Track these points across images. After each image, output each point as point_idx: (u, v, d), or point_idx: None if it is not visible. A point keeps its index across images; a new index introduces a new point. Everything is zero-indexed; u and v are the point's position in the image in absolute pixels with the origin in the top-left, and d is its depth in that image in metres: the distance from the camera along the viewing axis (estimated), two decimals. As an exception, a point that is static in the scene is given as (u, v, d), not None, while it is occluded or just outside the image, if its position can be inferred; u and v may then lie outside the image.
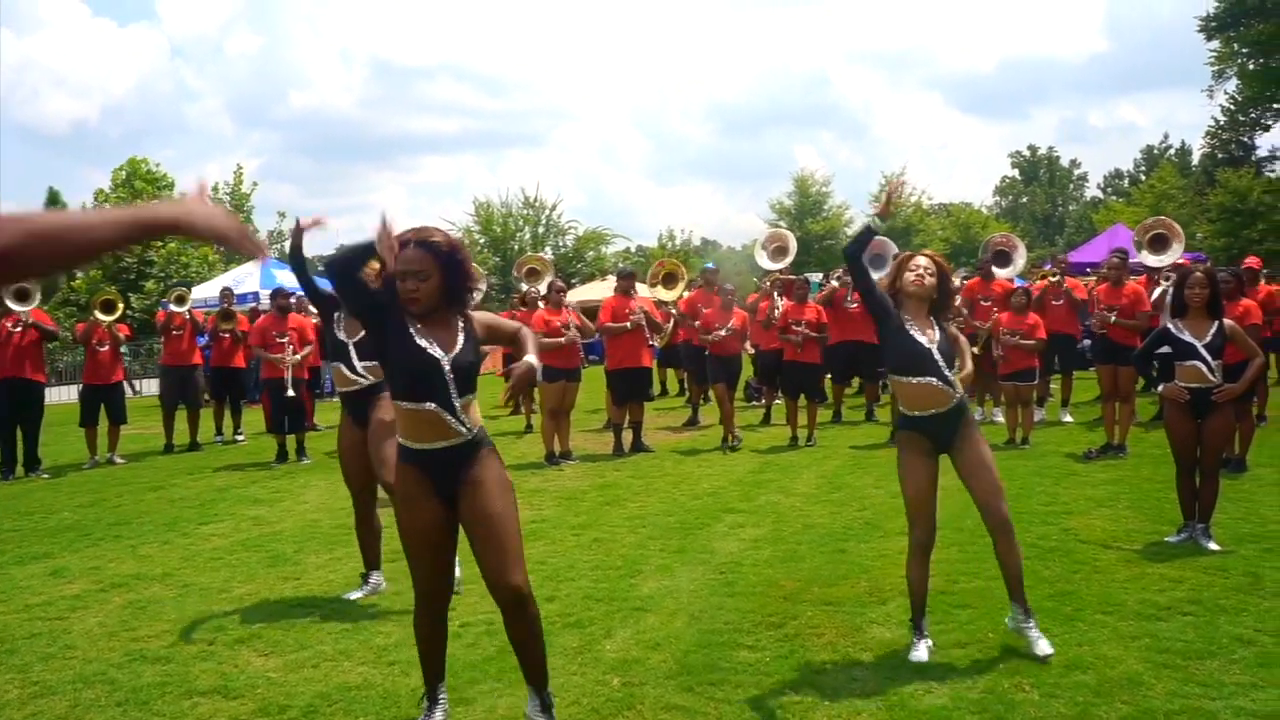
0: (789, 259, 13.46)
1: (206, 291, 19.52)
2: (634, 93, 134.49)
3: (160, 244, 30.92)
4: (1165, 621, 4.91)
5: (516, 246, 44.63)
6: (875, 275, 12.28)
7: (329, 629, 5.29)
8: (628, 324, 10.93)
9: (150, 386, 23.54)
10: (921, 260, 4.71)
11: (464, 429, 3.68)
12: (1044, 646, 4.49)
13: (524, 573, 3.74)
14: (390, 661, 4.73)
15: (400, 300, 3.65)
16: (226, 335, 13.56)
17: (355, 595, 5.83)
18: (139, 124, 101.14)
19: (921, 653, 4.54)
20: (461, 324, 3.76)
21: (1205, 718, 3.85)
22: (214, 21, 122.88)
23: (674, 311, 13.48)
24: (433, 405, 3.63)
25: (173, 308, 13.45)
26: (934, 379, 4.57)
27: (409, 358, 3.63)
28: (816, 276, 15.30)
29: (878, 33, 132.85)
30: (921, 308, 4.67)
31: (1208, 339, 6.30)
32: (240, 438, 13.87)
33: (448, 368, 3.63)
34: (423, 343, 3.64)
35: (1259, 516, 6.97)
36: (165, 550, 7.26)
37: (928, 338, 4.60)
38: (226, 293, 14.34)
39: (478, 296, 4.06)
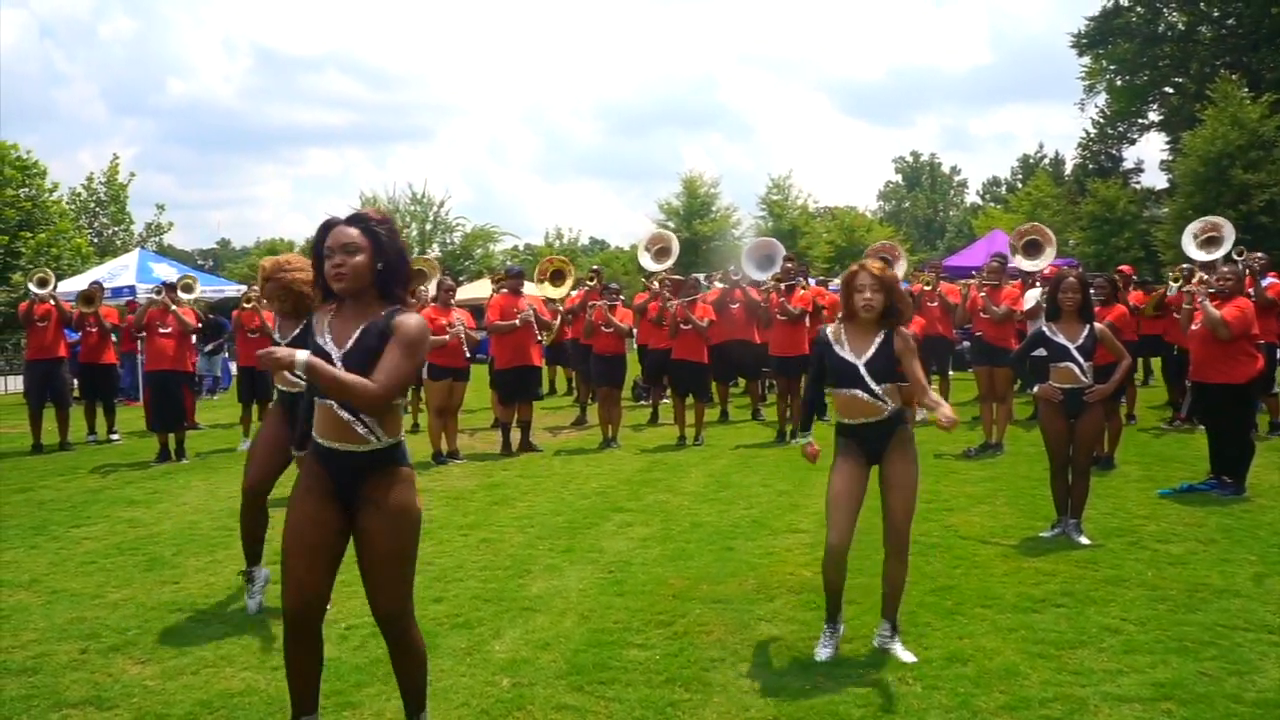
0: (672, 260, 13.57)
1: (78, 285, 18.67)
2: (523, 89, 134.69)
3: (29, 234, 29.55)
4: (1040, 613, 5.10)
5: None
6: (763, 276, 12.50)
7: (210, 633, 5.13)
8: (516, 321, 10.86)
9: (16, 383, 22.49)
10: (866, 281, 4.60)
11: (372, 436, 3.45)
12: (908, 655, 4.59)
13: (403, 604, 3.54)
14: (274, 666, 4.58)
15: (327, 281, 3.41)
16: (94, 330, 13.03)
17: (255, 594, 5.54)
18: (3, 107, 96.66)
19: (824, 652, 4.61)
20: (364, 325, 3.43)
21: (1076, 704, 4.01)
22: (86, 3, 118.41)
23: (560, 309, 13.47)
24: (330, 401, 3.42)
25: (34, 289, 12.79)
26: (860, 391, 4.64)
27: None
28: (700, 276, 15.43)
29: (767, 37, 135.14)
30: (867, 323, 4.67)
31: (1080, 341, 6.57)
32: (115, 437, 13.31)
33: (338, 363, 3.39)
34: (320, 339, 3.45)
35: (1126, 512, 7.29)
36: (32, 555, 6.94)
37: (855, 352, 4.63)
38: (96, 286, 13.77)
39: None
